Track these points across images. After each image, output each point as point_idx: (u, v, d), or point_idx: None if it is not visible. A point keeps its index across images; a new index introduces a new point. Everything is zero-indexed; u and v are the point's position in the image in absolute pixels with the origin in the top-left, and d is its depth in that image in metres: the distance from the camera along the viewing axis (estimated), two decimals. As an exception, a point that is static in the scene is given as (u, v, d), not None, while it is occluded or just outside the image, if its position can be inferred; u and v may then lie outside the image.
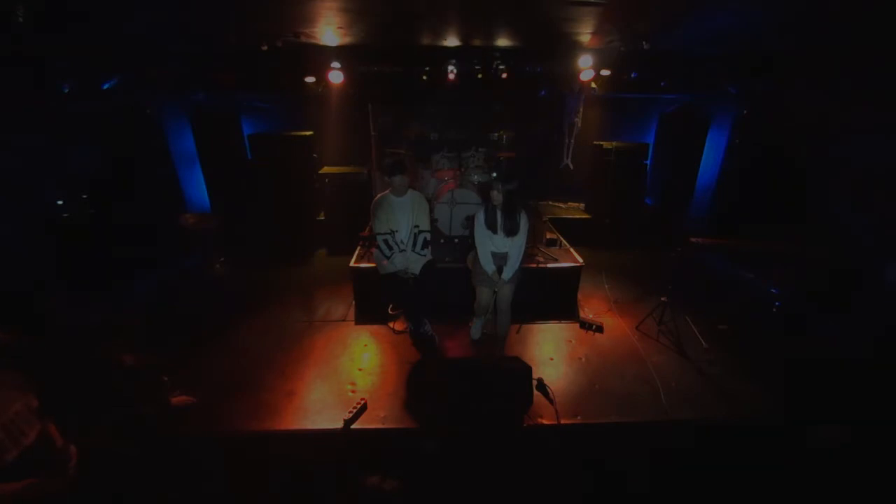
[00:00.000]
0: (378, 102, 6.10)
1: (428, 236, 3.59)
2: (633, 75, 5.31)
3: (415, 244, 3.56)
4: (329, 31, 4.00)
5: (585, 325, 4.28)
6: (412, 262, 3.61)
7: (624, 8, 3.14)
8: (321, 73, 5.06)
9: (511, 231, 3.37)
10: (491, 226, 3.40)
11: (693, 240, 4.16)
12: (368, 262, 4.43)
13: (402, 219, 3.51)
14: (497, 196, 3.33)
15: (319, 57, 4.84)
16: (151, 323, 4.17)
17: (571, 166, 6.88)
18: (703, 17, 3.34)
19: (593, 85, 5.59)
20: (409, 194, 3.55)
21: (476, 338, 3.96)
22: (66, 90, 4.21)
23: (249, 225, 5.92)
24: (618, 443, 3.10)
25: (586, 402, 3.29)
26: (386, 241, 3.52)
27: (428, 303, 3.89)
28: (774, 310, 4.27)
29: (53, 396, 2.25)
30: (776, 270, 4.47)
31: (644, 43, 4.13)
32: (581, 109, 6.60)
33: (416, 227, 3.53)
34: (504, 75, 5.13)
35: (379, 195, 3.57)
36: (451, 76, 5.11)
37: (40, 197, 4.31)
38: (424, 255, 3.64)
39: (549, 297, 4.53)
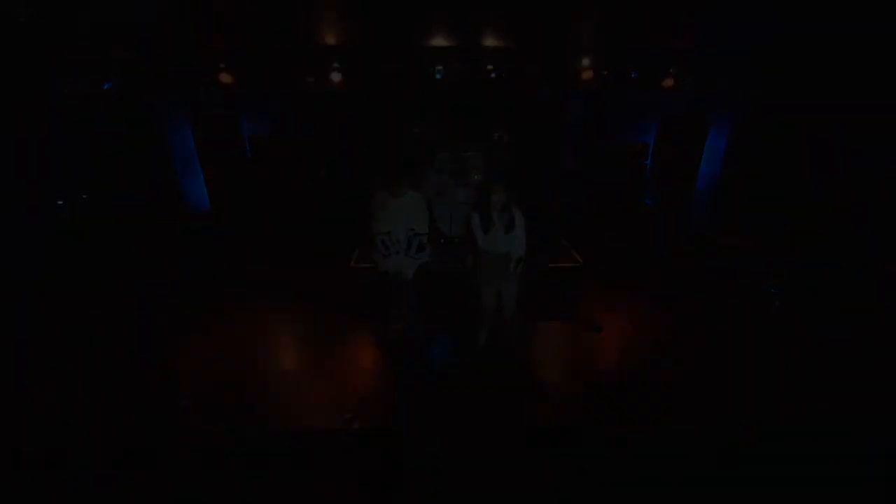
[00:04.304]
0: (378, 102, 6.10)
1: (424, 239, 3.58)
2: (633, 75, 5.31)
3: (409, 247, 3.55)
4: (330, 30, 4.00)
5: (585, 325, 4.28)
6: (404, 265, 3.60)
7: (625, 8, 3.15)
8: (321, 72, 5.05)
9: (509, 228, 3.39)
10: (488, 225, 3.41)
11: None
12: (369, 262, 4.43)
13: (399, 220, 3.50)
14: (493, 195, 3.34)
15: (320, 57, 4.84)
16: (149, 324, 4.18)
17: (571, 166, 6.89)
18: (704, 17, 3.34)
19: (592, 85, 5.59)
20: (407, 196, 3.55)
21: (480, 346, 3.95)
22: (66, 90, 4.21)
23: (249, 225, 5.92)
24: (618, 444, 3.10)
25: (586, 402, 3.29)
26: (383, 241, 3.52)
27: (425, 304, 3.88)
28: (774, 310, 4.27)
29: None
30: (776, 270, 4.47)
31: (643, 43, 4.13)
32: (581, 109, 6.61)
33: (412, 229, 3.52)
34: (504, 75, 5.12)
35: (377, 195, 3.57)
36: (451, 76, 5.11)
37: (40, 197, 4.31)
38: (418, 259, 3.63)
39: (549, 297, 4.53)
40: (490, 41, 4.73)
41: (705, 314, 4.45)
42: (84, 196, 4.65)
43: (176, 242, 5.17)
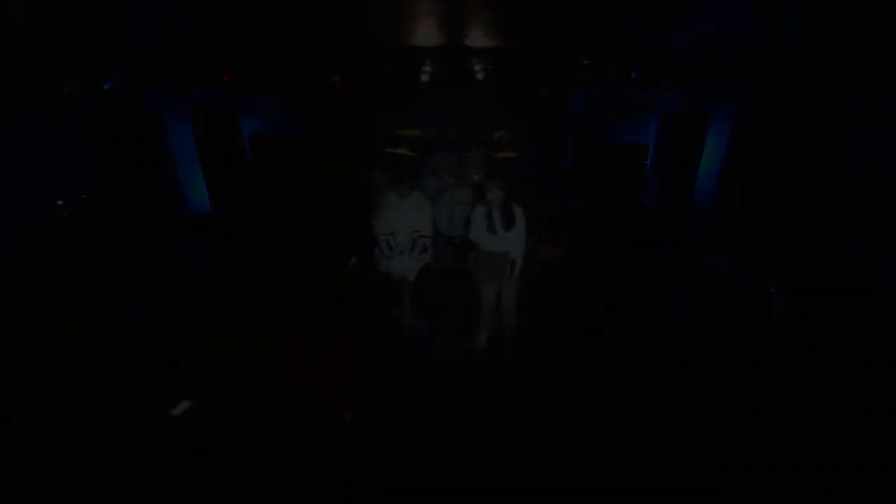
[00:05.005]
0: (377, 102, 6.11)
1: (428, 241, 3.58)
2: (632, 75, 5.31)
3: (413, 248, 3.55)
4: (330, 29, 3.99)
5: (584, 325, 4.28)
6: (408, 267, 3.60)
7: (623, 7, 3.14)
8: (321, 72, 5.05)
9: (508, 226, 3.38)
10: (488, 225, 3.41)
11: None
12: (370, 262, 4.43)
13: (403, 221, 3.50)
14: (491, 193, 3.34)
15: (319, 57, 4.84)
16: (149, 323, 4.17)
17: (571, 166, 6.89)
18: (705, 15, 3.34)
19: (592, 84, 5.60)
20: (411, 196, 3.54)
21: (481, 346, 3.95)
22: (66, 90, 4.21)
23: (249, 225, 5.92)
24: (616, 445, 3.10)
25: (585, 405, 3.29)
26: (387, 242, 3.52)
27: (425, 304, 3.88)
28: (774, 310, 4.26)
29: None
30: (776, 270, 4.47)
31: (643, 42, 4.12)
32: (581, 109, 6.62)
33: (417, 231, 3.52)
34: (504, 75, 5.13)
35: (381, 196, 3.57)
36: (450, 77, 5.12)
37: (40, 197, 4.31)
38: (422, 260, 3.62)
39: (548, 298, 4.54)
40: (490, 41, 4.73)
41: (705, 314, 4.44)
42: (84, 196, 4.64)
43: (176, 242, 5.16)
